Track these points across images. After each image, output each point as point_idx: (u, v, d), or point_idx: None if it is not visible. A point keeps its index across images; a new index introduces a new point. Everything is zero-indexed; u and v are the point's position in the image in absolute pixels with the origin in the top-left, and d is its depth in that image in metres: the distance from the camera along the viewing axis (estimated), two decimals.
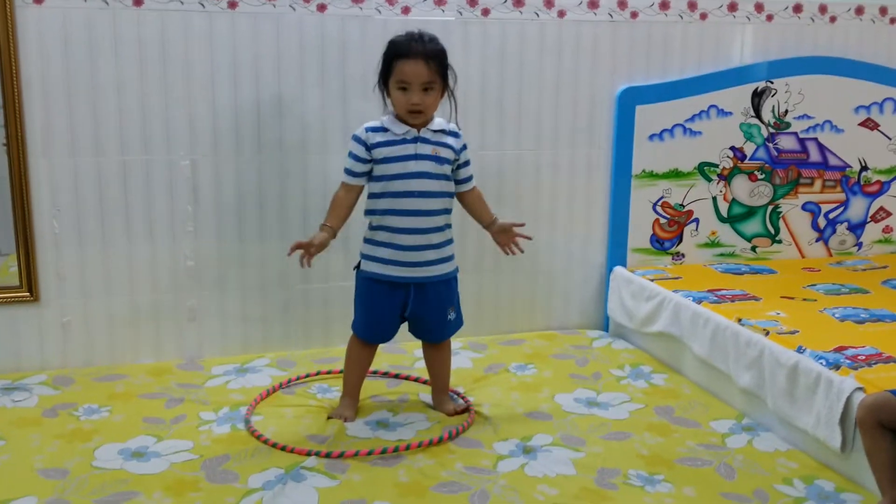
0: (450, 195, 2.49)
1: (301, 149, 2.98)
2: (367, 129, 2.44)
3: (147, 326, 2.97)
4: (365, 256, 2.50)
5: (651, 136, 3.28)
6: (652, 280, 3.16)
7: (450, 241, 2.52)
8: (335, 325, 3.13)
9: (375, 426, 2.49)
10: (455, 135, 2.48)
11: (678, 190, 3.35)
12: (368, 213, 2.48)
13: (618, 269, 3.32)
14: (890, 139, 3.57)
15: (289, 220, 3.02)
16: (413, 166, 2.41)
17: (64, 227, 2.83)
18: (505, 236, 2.58)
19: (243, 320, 3.06)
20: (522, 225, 2.59)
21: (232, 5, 2.82)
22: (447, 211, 2.49)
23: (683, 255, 3.43)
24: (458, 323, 2.61)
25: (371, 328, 2.55)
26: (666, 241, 3.39)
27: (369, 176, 2.45)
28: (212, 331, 3.03)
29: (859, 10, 3.45)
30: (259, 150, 2.94)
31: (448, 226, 2.50)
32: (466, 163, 2.52)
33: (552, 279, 3.36)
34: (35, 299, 2.84)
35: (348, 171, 2.46)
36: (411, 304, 2.49)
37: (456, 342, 3.13)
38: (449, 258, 2.52)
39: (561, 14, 3.13)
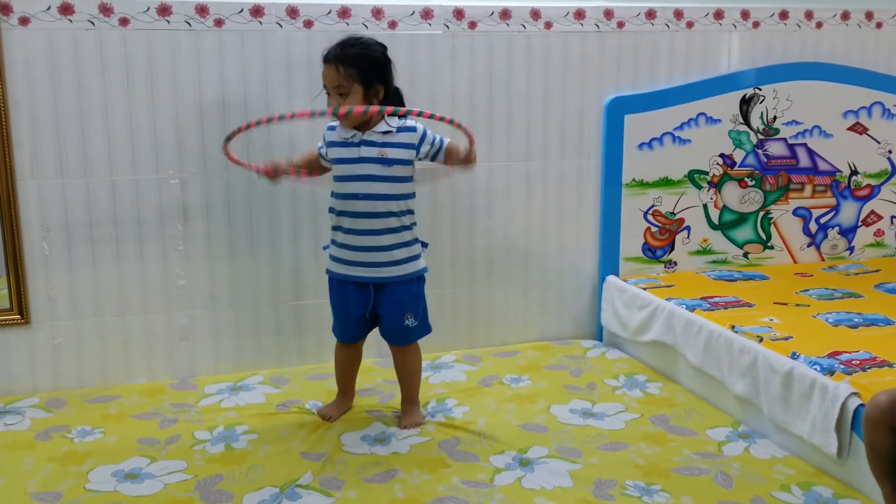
0: (403, 196, 2.48)
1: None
2: (328, 128, 2.55)
3: (139, 346, 2.95)
4: (330, 256, 2.57)
5: (640, 145, 3.28)
6: (645, 289, 3.16)
7: (405, 244, 2.50)
8: (328, 341, 3.10)
9: (372, 441, 2.48)
10: (410, 129, 2.47)
11: (669, 198, 3.36)
12: (329, 210, 2.54)
13: (610, 279, 3.32)
14: (879, 143, 3.58)
15: (279, 237, 3.01)
16: (357, 169, 2.44)
17: (54, 248, 2.82)
18: None
19: (236, 338, 3.04)
20: None
21: (218, 23, 2.82)
22: (400, 213, 2.48)
23: (676, 263, 3.43)
24: (422, 330, 2.61)
25: (338, 325, 2.63)
26: (658, 249, 3.39)
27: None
28: (204, 349, 3.02)
29: (845, 16, 3.47)
30: None
31: (403, 227, 2.49)
32: (433, 144, 2.47)
33: (545, 290, 3.35)
34: (26, 322, 2.82)
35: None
36: (371, 304, 2.53)
37: (449, 355, 3.14)
38: (402, 261, 2.50)
39: (548, 26, 3.14)
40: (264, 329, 3.06)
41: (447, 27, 3.04)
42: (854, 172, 3.58)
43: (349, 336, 2.62)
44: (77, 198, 2.80)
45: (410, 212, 2.52)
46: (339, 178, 2.49)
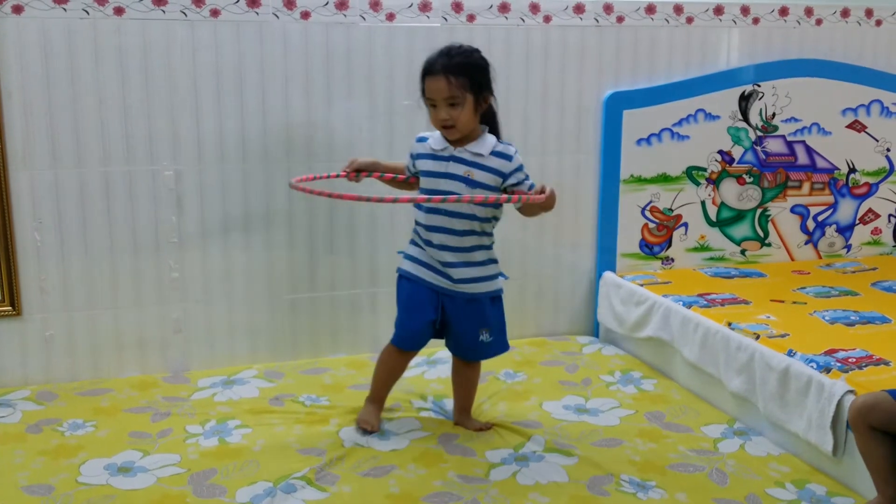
0: (483, 219, 2.38)
1: (286, 157, 2.95)
2: (417, 139, 2.46)
3: (132, 339, 2.93)
4: (408, 257, 2.47)
5: (639, 141, 3.27)
6: (641, 285, 3.14)
7: (478, 263, 2.41)
8: (323, 336, 3.10)
9: (373, 436, 2.47)
10: (505, 157, 2.36)
11: (666, 194, 3.34)
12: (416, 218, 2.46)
13: (607, 275, 3.31)
14: (877, 141, 3.57)
15: (274, 230, 2.99)
16: (443, 184, 2.35)
17: (46, 239, 2.79)
18: None
19: (230, 332, 3.02)
20: None
21: (214, 13, 2.80)
22: (476, 233, 2.39)
23: (673, 260, 3.41)
24: (499, 347, 2.53)
25: (404, 332, 2.48)
26: (655, 245, 3.38)
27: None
28: (198, 343, 3.00)
29: (845, 13, 3.46)
30: (244, 159, 2.92)
31: (478, 247, 2.40)
32: (521, 183, 2.37)
33: (542, 285, 3.34)
34: (17, 313, 2.80)
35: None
36: (443, 313, 2.44)
37: (445, 350, 3.11)
38: (475, 279, 2.42)
39: (546, 19, 3.12)
40: (258, 323, 3.04)
41: (445, 20, 3.02)
42: (852, 170, 3.57)
43: (411, 343, 2.52)
44: (70, 188, 2.78)
45: (485, 233, 2.42)
46: (422, 191, 2.40)
